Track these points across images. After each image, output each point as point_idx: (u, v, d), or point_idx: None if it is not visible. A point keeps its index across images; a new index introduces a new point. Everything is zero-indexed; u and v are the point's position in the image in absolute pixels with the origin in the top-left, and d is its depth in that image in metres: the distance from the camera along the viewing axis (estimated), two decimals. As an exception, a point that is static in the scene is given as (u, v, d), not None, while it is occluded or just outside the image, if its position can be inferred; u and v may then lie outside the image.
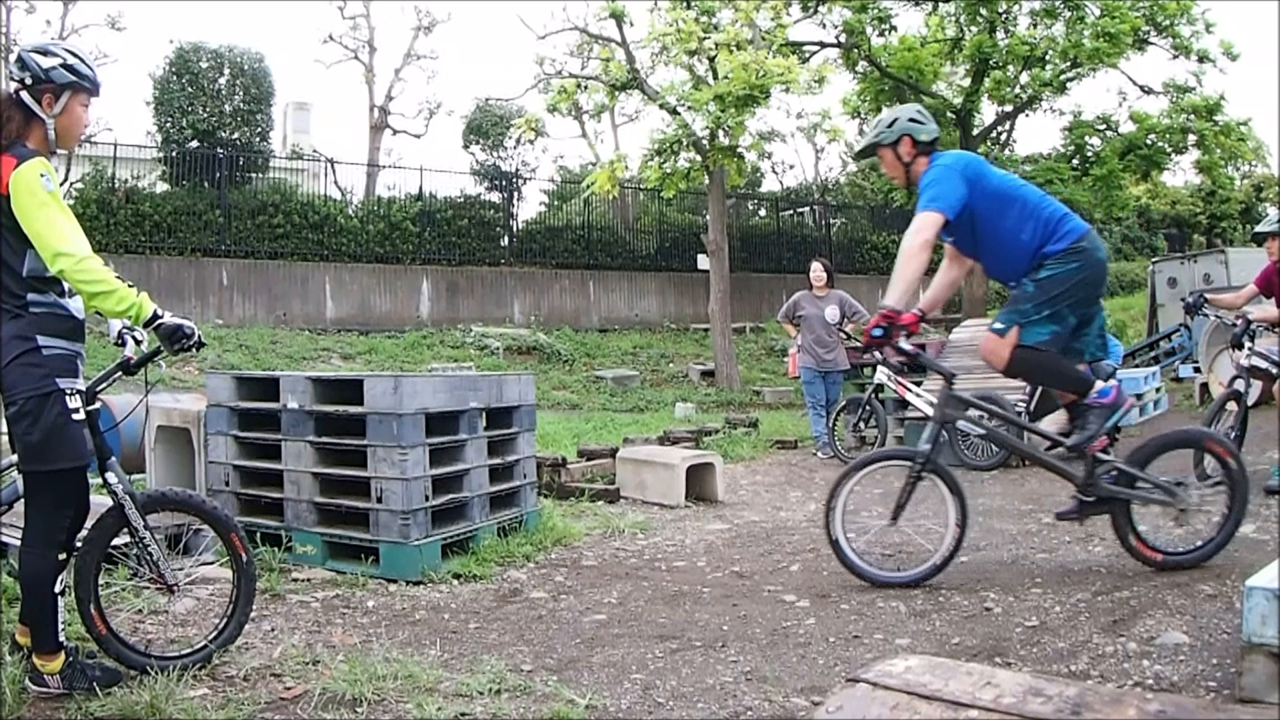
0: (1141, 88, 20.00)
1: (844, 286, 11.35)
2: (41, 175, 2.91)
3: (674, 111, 16.40)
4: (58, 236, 2.88)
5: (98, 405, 3.25)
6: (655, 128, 19.51)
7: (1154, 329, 15.92)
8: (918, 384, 9.20)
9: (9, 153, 2.94)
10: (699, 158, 16.63)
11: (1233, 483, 4.34)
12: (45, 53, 3.08)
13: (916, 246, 4.26)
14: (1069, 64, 18.46)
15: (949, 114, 19.78)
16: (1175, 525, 4.47)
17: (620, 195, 20.94)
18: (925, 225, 4.28)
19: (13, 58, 3.12)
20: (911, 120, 4.56)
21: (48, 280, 3.00)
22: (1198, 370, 12.03)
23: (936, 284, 4.96)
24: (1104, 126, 20.03)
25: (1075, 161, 19.73)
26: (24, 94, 3.04)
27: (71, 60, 3.09)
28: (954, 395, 4.55)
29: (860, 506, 4.72)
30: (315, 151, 23.90)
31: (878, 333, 4.31)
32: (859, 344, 9.88)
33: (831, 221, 27.25)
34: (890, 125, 4.59)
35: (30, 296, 2.98)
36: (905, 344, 4.44)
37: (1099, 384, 4.43)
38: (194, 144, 19.19)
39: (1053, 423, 8.42)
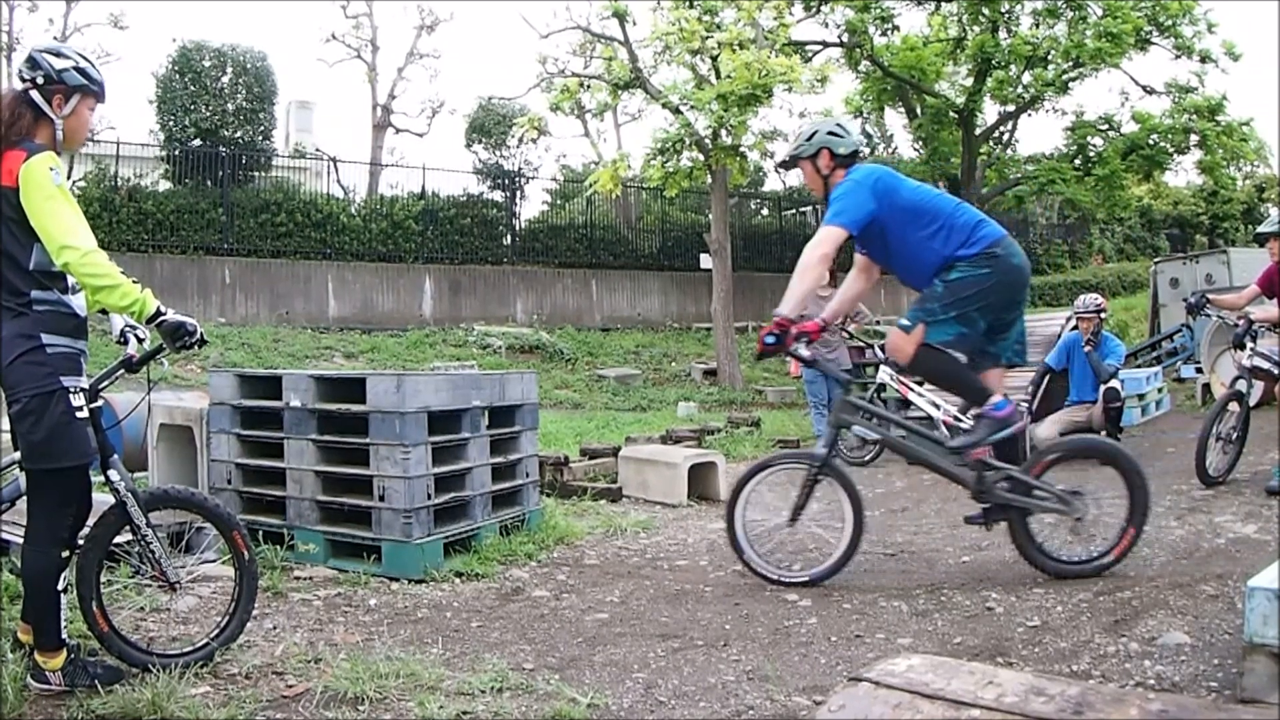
0: (1144, 88, 20.01)
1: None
2: (50, 169, 2.93)
3: (677, 111, 16.39)
4: (64, 229, 2.89)
5: (100, 403, 3.25)
6: (658, 127, 19.53)
7: (1156, 329, 15.91)
8: (919, 384, 9.23)
9: (18, 146, 2.96)
10: (701, 157, 16.62)
11: (1133, 494, 4.33)
12: (58, 54, 3.12)
13: (815, 260, 4.34)
14: (1071, 64, 18.47)
15: (951, 114, 19.78)
16: (1071, 534, 4.49)
17: (623, 194, 20.94)
18: (826, 240, 4.34)
19: (23, 57, 3.13)
20: (830, 134, 4.62)
21: (53, 275, 3.01)
22: (1199, 370, 12.02)
23: (841, 295, 5.02)
24: (1106, 126, 20.03)
25: (1077, 161, 19.73)
26: (34, 93, 3.06)
27: (83, 64, 3.13)
28: (848, 400, 4.67)
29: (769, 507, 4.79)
30: (318, 150, 23.92)
31: (770, 340, 4.37)
32: (861, 343, 9.89)
33: (834, 221, 27.15)
34: (809, 138, 4.64)
35: (34, 293, 2.98)
36: (804, 351, 4.56)
37: (996, 397, 4.44)
38: (197, 142, 19.20)
39: (1054, 423, 8.46)
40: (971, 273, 4.29)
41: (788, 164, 4.83)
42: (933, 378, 4.57)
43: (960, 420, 8.33)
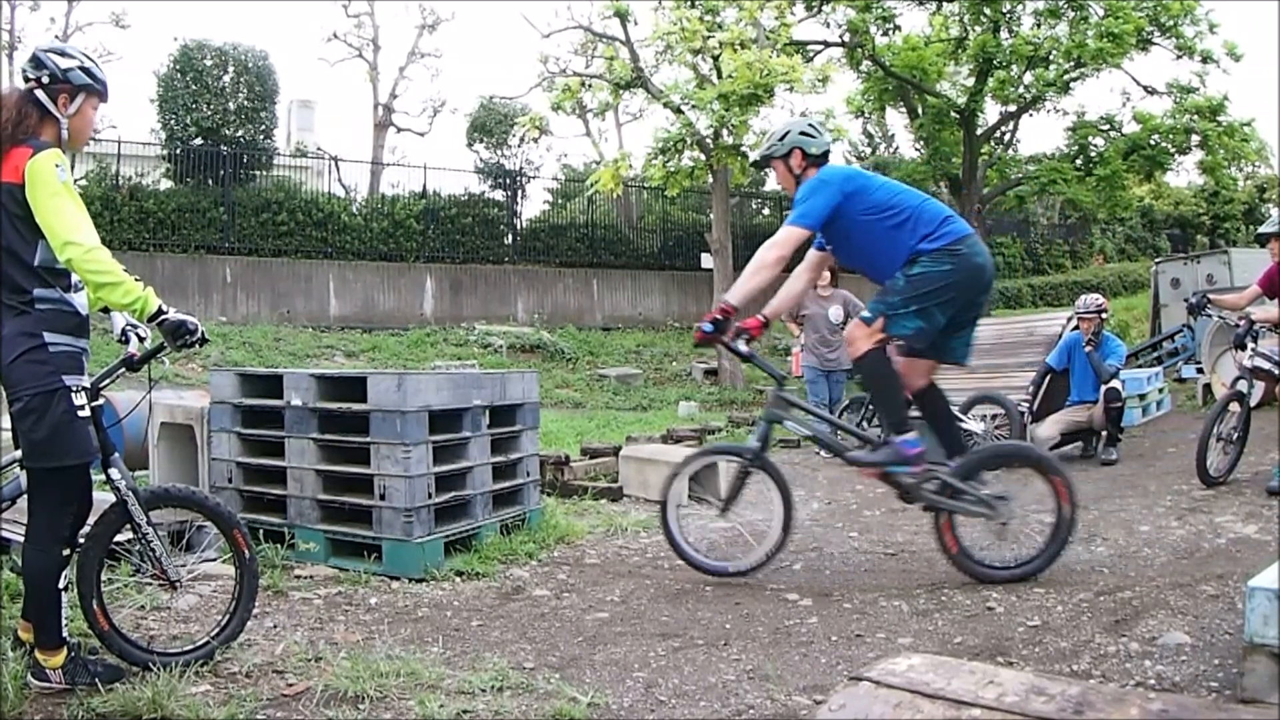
0: (1145, 88, 19.99)
1: (848, 286, 11.32)
2: (56, 166, 2.94)
3: (678, 110, 16.39)
4: (68, 226, 2.90)
5: (101, 401, 3.25)
6: (659, 126, 19.53)
7: (1157, 329, 15.89)
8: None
9: (25, 143, 2.97)
10: (703, 156, 16.62)
11: (1059, 499, 4.33)
12: (63, 54, 3.14)
13: (770, 260, 4.41)
14: (1073, 64, 18.46)
15: (953, 114, 19.78)
16: (997, 539, 4.51)
17: (624, 194, 20.95)
18: (785, 241, 4.40)
19: (27, 56, 3.14)
20: (803, 134, 4.65)
21: (56, 272, 3.02)
22: (1200, 371, 12.01)
23: (784, 293, 5.05)
24: (1107, 127, 20.02)
25: (1079, 161, 19.72)
26: (39, 92, 3.08)
27: (87, 63, 3.16)
28: (782, 396, 4.72)
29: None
30: (319, 149, 23.91)
31: (709, 328, 4.42)
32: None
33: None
34: (782, 138, 4.68)
35: (37, 291, 2.99)
36: (742, 346, 4.60)
37: (913, 435, 4.45)
38: (198, 141, 19.20)
39: (1054, 423, 8.46)
40: (934, 267, 4.29)
41: (760, 164, 4.91)
42: (870, 383, 4.58)
43: (961, 421, 8.36)
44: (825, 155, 4.65)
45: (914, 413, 4.65)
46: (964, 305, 4.41)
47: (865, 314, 4.41)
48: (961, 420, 8.48)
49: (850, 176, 4.54)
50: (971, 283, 4.37)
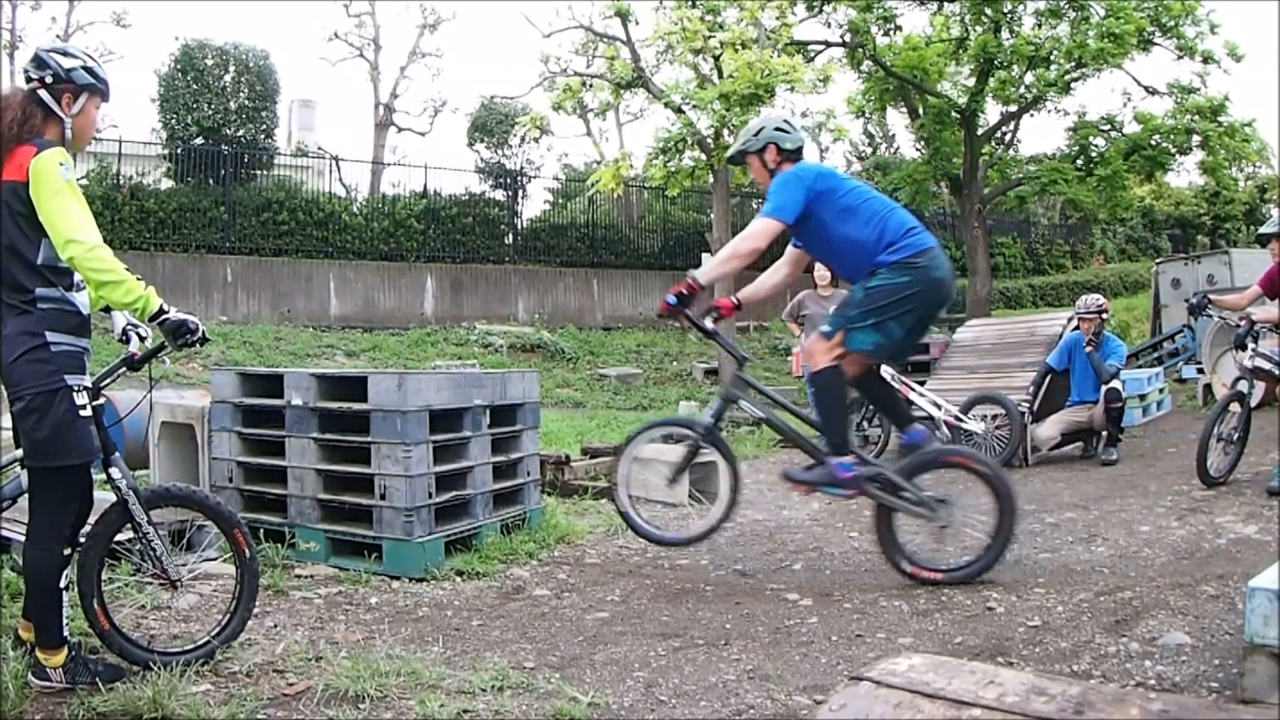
0: (1146, 88, 19.96)
1: (849, 286, 11.32)
2: (60, 164, 2.95)
3: (679, 110, 16.37)
4: (71, 224, 2.90)
5: (102, 401, 3.25)
6: (660, 126, 19.52)
7: (1157, 330, 15.89)
8: (921, 383, 9.24)
9: (29, 142, 2.98)
10: (704, 156, 16.60)
11: (1001, 509, 4.36)
12: (65, 54, 3.15)
13: (745, 251, 4.47)
14: (1073, 64, 18.43)
15: (954, 114, 19.76)
16: (933, 541, 4.55)
17: (625, 193, 20.95)
18: (761, 234, 4.43)
19: (29, 56, 3.15)
20: (778, 129, 4.68)
21: (59, 271, 3.02)
22: (1201, 371, 12.01)
23: (762, 281, 5.09)
24: (1108, 127, 19.99)
25: (1079, 162, 19.70)
26: (43, 92, 3.08)
27: (90, 63, 3.17)
28: (741, 376, 4.76)
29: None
30: (320, 149, 23.92)
31: (673, 300, 4.45)
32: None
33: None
34: (756, 134, 4.72)
35: (39, 290, 2.99)
36: (709, 322, 4.64)
37: (850, 458, 4.48)
38: (199, 141, 19.21)
39: (1055, 423, 8.46)
40: (891, 280, 4.32)
41: (735, 159, 4.93)
42: (821, 398, 4.61)
43: (962, 421, 8.35)
44: (799, 151, 4.68)
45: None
46: (922, 317, 4.47)
47: (825, 328, 4.45)
48: (962, 421, 8.50)
49: (822, 175, 4.57)
50: (930, 296, 4.41)
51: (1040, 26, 19.28)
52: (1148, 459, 8.28)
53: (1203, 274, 15.27)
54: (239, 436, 5.30)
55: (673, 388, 16.99)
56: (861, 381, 4.66)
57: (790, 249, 4.90)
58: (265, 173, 20.45)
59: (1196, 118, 18.74)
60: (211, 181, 19.02)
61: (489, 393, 5.45)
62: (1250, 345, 6.37)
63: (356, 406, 4.91)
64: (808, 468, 4.62)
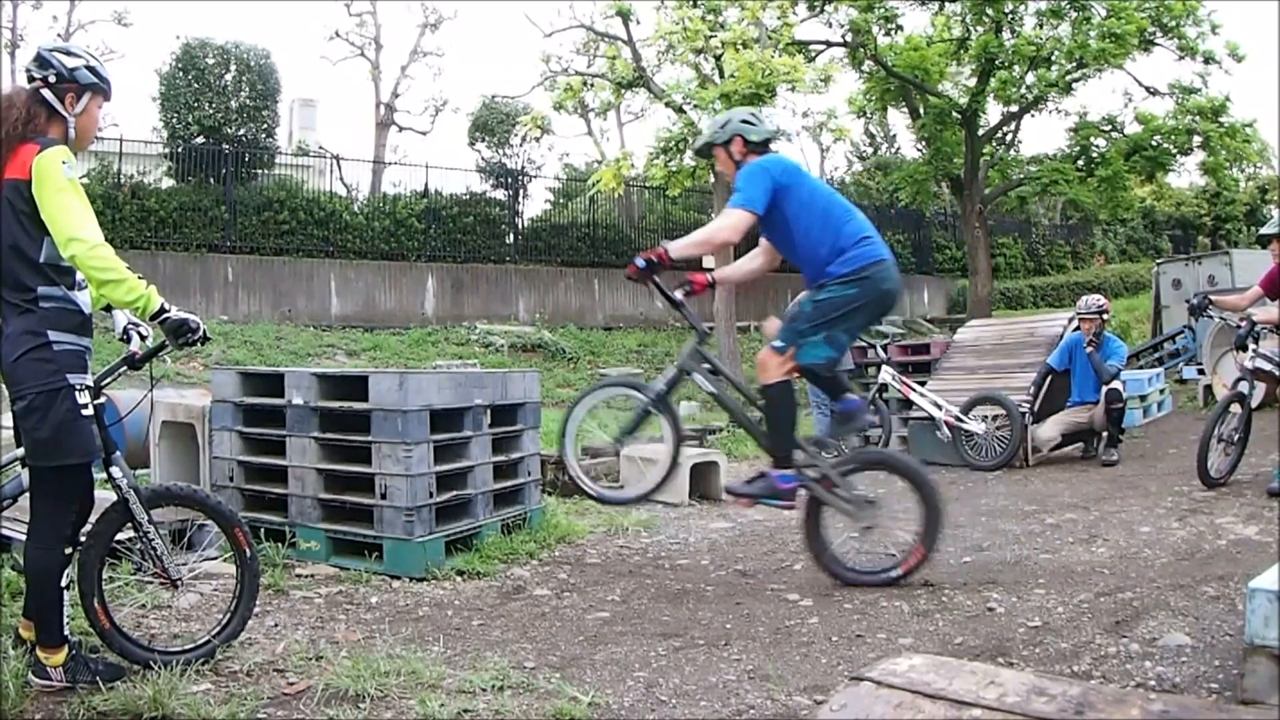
0: (1147, 89, 19.97)
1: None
2: (63, 162, 2.95)
3: (680, 110, 16.37)
4: (73, 222, 2.91)
5: (103, 400, 3.25)
6: (661, 126, 19.54)
7: (1158, 330, 15.87)
8: (921, 384, 9.24)
9: (33, 140, 2.98)
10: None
11: (927, 514, 4.39)
12: (68, 53, 3.16)
13: (719, 240, 4.52)
14: (1075, 65, 18.43)
15: (955, 114, 19.76)
16: (858, 540, 4.59)
17: (625, 193, 20.95)
18: (735, 224, 4.43)
19: (31, 56, 3.16)
20: (744, 122, 4.71)
21: (61, 270, 3.03)
22: (1201, 372, 12.00)
23: (739, 265, 5.13)
24: (1109, 127, 19.99)
25: (1080, 162, 19.69)
26: (46, 91, 3.09)
27: (93, 63, 3.17)
28: (698, 350, 4.79)
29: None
30: (321, 148, 23.92)
31: (641, 264, 4.51)
32: (863, 343, 9.90)
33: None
34: (723, 126, 4.75)
35: (41, 289, 2.99)
36: (678, 293, 4.69)
37: (791, 470, 4.52)
38: (200, 140, 19.20)
39: (1055, 424, 8.46)
40: (840, 293, 4.38)
41: (702, 151, 4.96)
42: (769, 410, 4.63)
43: (962, 421, 8.36)
44: (766, 144, 4.70)
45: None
46: (867, 322, 4.60)
47: (777, 343, 4.47)
48: (963, 421, 8.50)
49: (788, 169, 4.58)
50: (878, 305, 4.52)
51: (1041, 27, 19.28)
52: (1148, 460, 8.28)
53: (1203, 275, 15.25)
54: (240, 436, 5.30)
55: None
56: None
57: (762, 240, 4.92)
58: (266, 172, 20.43)
59: (1197, 118, 18.74)
60: (212, 180, 19.00)
61: (490, 392, 5.45)
62: (1251, 346, 6.36)
63: (357, 406, 4.91)
64: (748, 481, 4.70)
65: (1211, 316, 7.16)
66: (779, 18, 16.43)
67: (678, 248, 4.44)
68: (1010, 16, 19.06)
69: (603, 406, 4.96)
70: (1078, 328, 8.68)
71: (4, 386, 3.04)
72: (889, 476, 4.67)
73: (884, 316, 4.69)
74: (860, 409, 4.73)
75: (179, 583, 3.46)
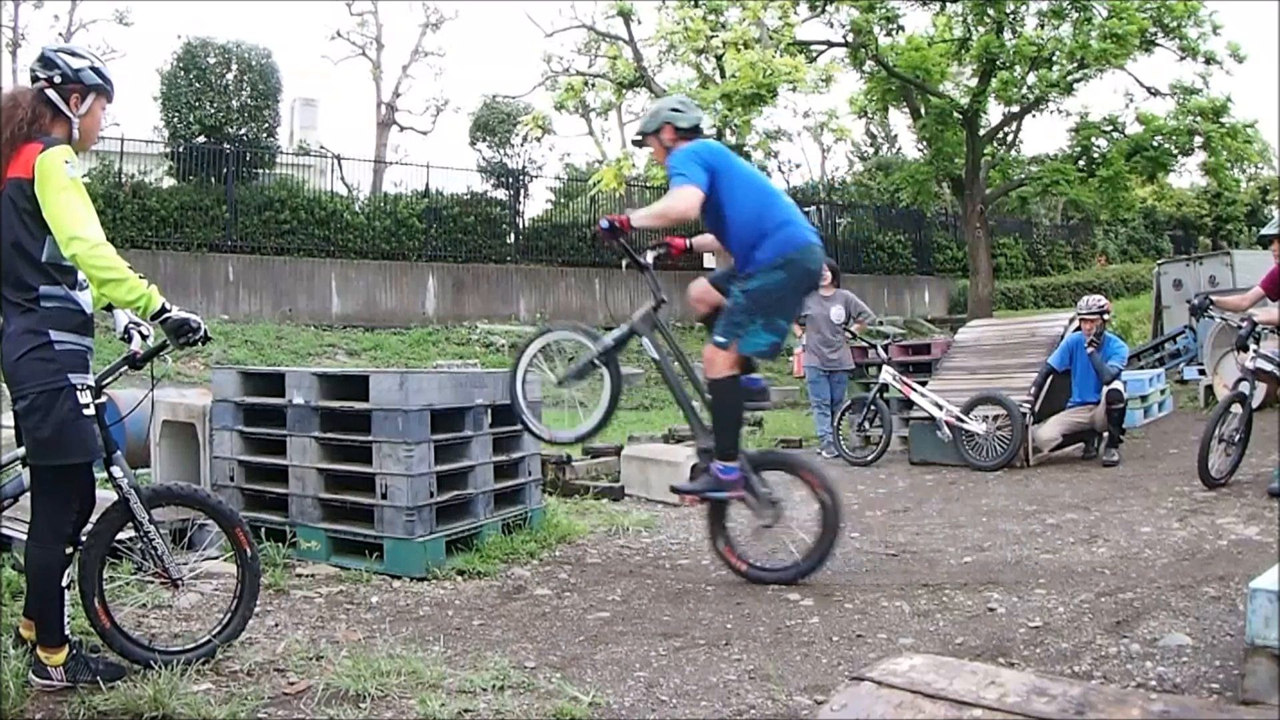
0: (1148, 89, 19.98)
1: (850, 286, 11.34)
2: (66, 161, 2.96)
3: (680, 110, 16.39)
4: (75, 221, 2.91)
5: (104, 399, 3.26)
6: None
7: (1159, 331, 15.86)
8: (922, 384, 9.24)
9: (36, 139, 2.99)
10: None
11: (824, 518, 4.50)
12: (73, 54, 3.17)
13: (675, 213, 4.50)
14: (1076, 65, 18.45)
15: (956, 114, 19.76)
16: (754, 537, 4.69)
17: (626, 193, 20.94)
18: (689, 198, 4.42)
19: (34, 55, 3.16)
20: (673, 109, 4.81)
21: (63, 269, 3.03)
22: (1202, 372, 12.00)
23: (706, 236, 5.12)
24: (1110, 128, 20.00)
25: (1081, 163, 19.71)
26: (50, 91, 3.10)
27: (97, 64, 3.19)
28: (652, 316, 4.88)
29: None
30: (322, 147, 23.95)
31: (605, 225, 4.53)
32: (864, 343, 9.91)
33: (838, 220, 27.18)
34: (654, 115, 4.87)
35: (43, 289, 2.99)
36: (649, 256, 4.79)
37: (734, 462, 4.58)
38: (201, 139, 19.22)
39: (1056, 424, 8.46)
40: (769, 280, 4.45)
41: (638, 142, 5.05)
42: (717, 406, 4.64)
43: (963, 421, 8.35)
44: (696, 130, 4.76)
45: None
46: (800, 300, 4.74)
47: (719, 338, 4.51)
48: (964, 421, 8.50)
49: (715, 152, 4.63)
50: (805, 284, 4.62)
51: (1042, 27, 19.30)
52: (1149, 460, 8.27)
53: (1204, 275, 15.24)
54: (240, 435, 5.30)
55: (674, 387, 16.96)
56: (709, 319, 4.78)
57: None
58: (267, 171, 20.44)
59: (1198, 119, 18.75)
60: (213, 180, 19.01)
61: (490, 392, 5.45)
62: (1252, 346, 6.36)
63: (358, 405, 4.91)
64: (692, 478, 4.77)
65: (1212, 317, 7.16)
66: (780, 18, 16.46)
67: (639, 217, 4.50)
68: (1011, 17, 19.08)
69: (554, 349, 5.06)
70: (1078, 328, 8.67)
71: (5, 386, 3.04)
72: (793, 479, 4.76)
73: (812, 291, 4.85)
74: (763, 387, 4.89)
75: (180, 582, 3.45)
